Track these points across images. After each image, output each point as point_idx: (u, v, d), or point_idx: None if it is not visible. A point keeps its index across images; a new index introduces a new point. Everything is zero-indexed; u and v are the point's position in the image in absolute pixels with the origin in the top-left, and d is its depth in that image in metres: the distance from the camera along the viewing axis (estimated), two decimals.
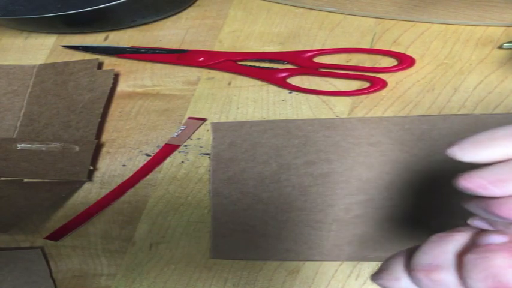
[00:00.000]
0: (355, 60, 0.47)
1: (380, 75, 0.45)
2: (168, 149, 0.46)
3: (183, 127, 0.47)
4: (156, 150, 0.46)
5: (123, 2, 0.51)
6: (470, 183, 0.21)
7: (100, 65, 0.53)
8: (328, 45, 0.48)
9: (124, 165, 0.46)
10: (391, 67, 0.45)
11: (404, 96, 0.44)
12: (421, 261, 0.23)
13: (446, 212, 0.37)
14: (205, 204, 0.42)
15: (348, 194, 0.40)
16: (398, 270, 0.24)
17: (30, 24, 0.57)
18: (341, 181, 0.40)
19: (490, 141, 0.22)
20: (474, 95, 0.42)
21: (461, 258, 0.22)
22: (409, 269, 0.24)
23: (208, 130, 0.46)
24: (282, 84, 0.47)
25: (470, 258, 0.21)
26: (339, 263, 0.37)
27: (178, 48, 0.53)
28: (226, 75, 0.49)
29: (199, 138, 0.46)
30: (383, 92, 0.44)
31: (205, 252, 0.40)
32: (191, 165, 0.45)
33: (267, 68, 0.48)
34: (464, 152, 0.22)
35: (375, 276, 0.25)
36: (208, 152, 0.45)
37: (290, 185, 0.41)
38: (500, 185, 0.21)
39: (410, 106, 0.43)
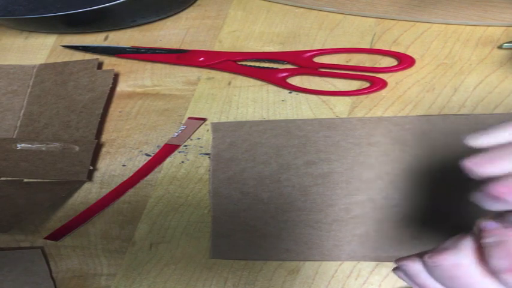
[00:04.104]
0: (355, 60, 0.47)
1: (380, 75, 0.45)
2: (168, 149, 0.46)
3: (183, 127, 0.47)
4: (156, 150, 0.46)
5: (123, 2, 0.51)
6: (469, 162, 0.24)
7: (100, 65, 0.53)
8: (328, 45, 0.48)
9: (124, 165, 0.46)
10: (391, 67, 0.45)
11: (404, 96, 0.44)
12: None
13: (447, 211, 0.37)
14: (205, 204, 0.42)
15: (348, 194, 0.40)
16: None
17: (30, 24, 0.57)
18: (341, 181, 0.40)
19: (492, 131, 0.25)
20: (474, 95, 0.42)
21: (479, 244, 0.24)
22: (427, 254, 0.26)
23: (208, 130, 0.46)
24: (282, 84, 0.47)
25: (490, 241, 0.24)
26: (339, 263, 0.37)
27: (178, 48, 0.53)
28: (226, 75, 0.49)
29: (199, 138, 0.46)
30: (383, 92, 0.44)
31: (205, 252, 0.40)
32: (191, 165, 0.45)
33: (267, 68, 0.48)
34: (471, 140, 0.26)
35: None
36: (208, 152, 0.45)
37: (290, 185, 0.41)
38: (492, 162, 0.24)
39: (410, 106, 0.43)
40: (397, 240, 0.37)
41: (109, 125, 0.49)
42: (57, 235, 0.43)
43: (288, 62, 0.48)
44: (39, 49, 0.57)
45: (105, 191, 0.45)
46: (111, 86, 0.50)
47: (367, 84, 0.45)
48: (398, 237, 0.37)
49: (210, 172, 0.43)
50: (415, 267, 0.27)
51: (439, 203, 0.38)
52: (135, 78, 0.52)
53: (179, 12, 0.55)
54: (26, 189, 0.46)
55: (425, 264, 0.26)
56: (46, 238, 0.43)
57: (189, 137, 0.46)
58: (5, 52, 0.58)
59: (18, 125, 0.51)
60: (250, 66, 0.49)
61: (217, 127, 0.46)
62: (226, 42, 0.52)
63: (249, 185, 0.42)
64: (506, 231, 0.23)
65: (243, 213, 0.41)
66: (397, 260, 0.28)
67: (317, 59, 0.48)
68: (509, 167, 0.24)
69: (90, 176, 0.46)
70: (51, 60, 0.55)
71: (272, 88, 0.47)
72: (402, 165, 0.40)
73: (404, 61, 0.45)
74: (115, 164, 0.47)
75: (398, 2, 0.49)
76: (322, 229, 0.39)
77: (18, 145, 0.48)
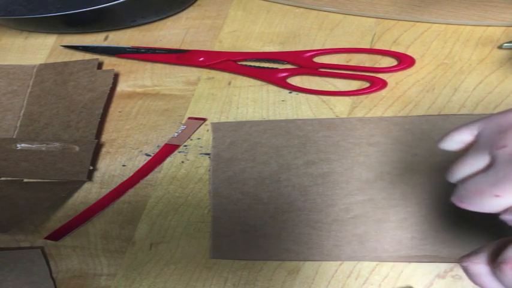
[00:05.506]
0: (355, 60, 0.47)
1: (380, 75, 0.45)
2: (168, 149, 0.46)
3: (183, 127, 0.47)
4: (156, 150, 0.46)
5: (123, 2, 0.51)
6: (446, 175, 0.28)
7: (100, 65, 0.53)
8: (328, 45, 0.48)
9: (124, 165, 0.46)
10: (391, 67, 0.45)
11: (404, 96, 0.44)
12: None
13: (447, 211, 0.37)
14: (205, 204, 0.42)
15: (348, 194, 0.40)
16: (484, 256, 0.26)
17: (30, 24, 0.57)
18: (341, 181, 0.40)
19: (454, 134, 0.29)
20: (474, 95, 0.42)
21: None
22: (498, 261, 0.24)
23: (208, 130, 0.46)
24: (282, 84, 0.47)
25: None
26: (339, 263, 0.37)
27: (178, 48, 0.53)
28: (226, 75, 0.49)
29: (199, 138, 0.46)
30: (383, 92, 0.44)
31: (205, 252, 0.40)
32: (191, 165, 0.45)
33: (267, 68, 0.48)
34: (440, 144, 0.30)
35: (463, 258, 0.27)
36: (208, 152, 0.45)
37: (290, 185, 0.41)
38: (451, 175, 0.28)
39: (410, 106, 0.43)
40: (397, 240, 0.37)
41: (109, 125, 0.49)
42: (57, 235, 0.43)
43: (288, 62, 0.48)
44: (39, 49, 0.57)
45: (105, 191, 0.45)
46: (111, 86, 0.50)
47: (367, 84, 0.45)
48: (398, 237, 0.37)
49: (210, 172, 0.43)
50: (481, 269, 0.26)
51: (439, 203, 0.38)
52: (135, 78, 0.52)
53: (179, 12, 0.55)
54: (26, 189, 0.46)
55: (498, 270, 0.24)
56: (46, 238, 0.43)
57: (189, 137, 0.46)
58: (5, 52, 0.58)
59: (18, 125, 0.51)
60: (250, 66, 0.49)
61: (217, 127, 0.46)
62: (226, 42, 0.52)
63: (249, 185, 0.42)
64: None
65: (243, 213, 0.41)
66: (463, 258, 0.27)
67: (317, 59, 0.48)
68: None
69: (90, 176, 0.46)
70: (51, 60, 0.55)
71: (272, 88, 0.47)
72: (402, 165, 0.40)
73: (404, 61, 0.45)
74: (115, 164, 0.47)
75: (399, 2, 0.49)
76: (322, 229, 0.39)
77: (18, 145, 0.48)
